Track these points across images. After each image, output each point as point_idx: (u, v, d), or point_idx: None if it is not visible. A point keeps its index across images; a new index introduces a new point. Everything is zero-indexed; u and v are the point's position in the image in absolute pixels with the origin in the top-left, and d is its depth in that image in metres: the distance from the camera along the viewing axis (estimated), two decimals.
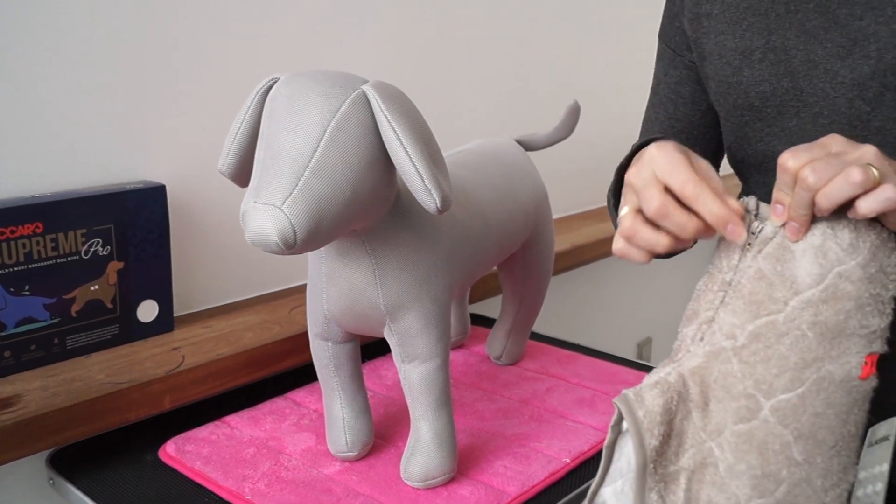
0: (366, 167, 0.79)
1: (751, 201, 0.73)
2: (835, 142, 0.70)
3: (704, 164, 0.73)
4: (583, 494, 0.97)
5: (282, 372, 1.23)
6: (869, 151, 0.68)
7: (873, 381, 0.74)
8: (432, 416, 0.95)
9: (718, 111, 0.98)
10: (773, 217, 0.71)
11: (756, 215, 0.72)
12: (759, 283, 0.71)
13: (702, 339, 0.74)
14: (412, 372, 0.94)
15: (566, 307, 1.97)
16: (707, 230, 0.71)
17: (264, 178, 0.77)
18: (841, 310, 0.69)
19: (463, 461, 1.00)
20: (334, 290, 0.92)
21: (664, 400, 0.71)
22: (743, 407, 0.71)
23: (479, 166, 1.09)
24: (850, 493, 0.74)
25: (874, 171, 0.66)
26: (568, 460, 1.01)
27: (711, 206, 0.69)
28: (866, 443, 0.75)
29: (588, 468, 1.01)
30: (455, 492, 0.95)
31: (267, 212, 0.75)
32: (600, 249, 1.80)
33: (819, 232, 0.69)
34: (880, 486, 0.72)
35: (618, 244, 0.76)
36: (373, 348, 1.28)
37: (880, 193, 0.65)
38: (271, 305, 1.32)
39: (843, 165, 0.66)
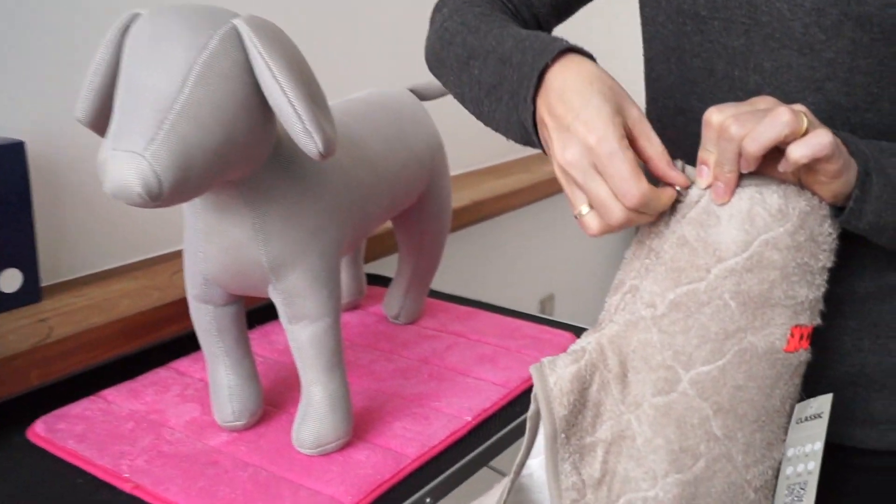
0: (239, 109, 0.72)
1: (676, 164, 0.69)
2: (764, 101, 0.66)
3: (637, 114, 0.68)
4: (485, 453, 0.93)
5: (164, 341, 1.15)
6: (799, 107, 0.64)
7: (804, 356, 0.70)
8: (324, 379, 0.89)
9: (651, 16, 0.87)
10: (697, 179, 0.67)
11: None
12: (681, 249, 0.67)
13: (623, 309, 0.70)
14: (301, 333, 0.88)
15: (467, 264, 1.92)
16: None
17: (124, 122, 0.69)
18: (765, 279, 0.66)
19: (359, 425, 0.95)
20: (212, 247, 0.85)
21: (576, 368, 0.67)
22: (661, 379, 0.68)
23: (369, 114, 1.02)
24: (777, 471, 0.72)
25: (804, 117, 0.62)
26: (469, 418, 0.96)
27: (653, 204, 0.66)
28: (794, 419, 0.72)
29: (490, 425, 0.97)
30: (351, 457, 0.89)
31: (127, 159, 0.67)
32: (501, 204, 1.76)
33: (746, 196, 0.66)
34: (812, 465, 0.69)
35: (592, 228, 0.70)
36: (263, 313, 1.21)
37: (812, 138, 0.61)
38: (152, 271, 1.24)
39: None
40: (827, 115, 0.74)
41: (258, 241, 0.83)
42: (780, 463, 0.72)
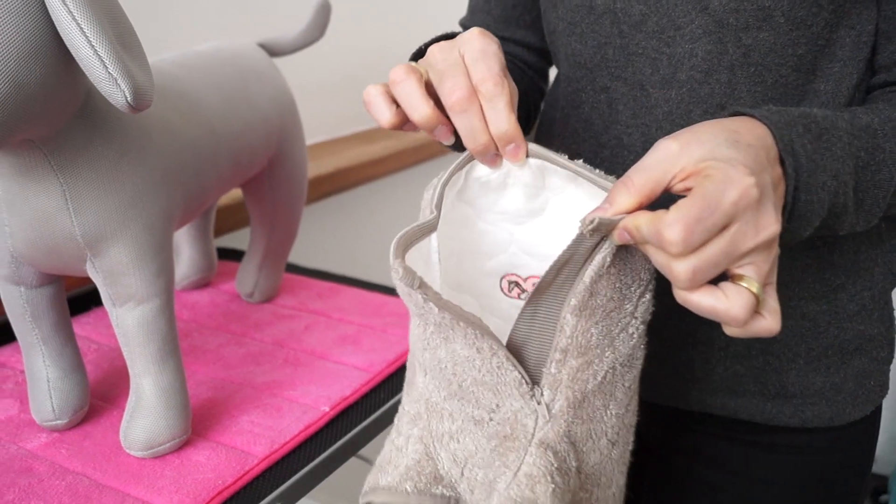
0: (29, 53, 0.60)
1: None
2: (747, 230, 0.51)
3: (512, 84, 0.60)
4: (346, 447, 0.83)
5: None
6: (768, 260, 0.52)
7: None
8: (155, 370, 0.78)
9: None
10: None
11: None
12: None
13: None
14: (126, 317, 0.76)
15: (331, 237, 1.81)
16: (489, 148, 0.59)
17: None
18: None
19: (200, 420, 0.84)
20: (17, 219, 0.72)
21: None
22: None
23: (206, 68, 0.90)
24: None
25: (754, 298, 0.50)
26: (327, 408, 0.86)
27: (502, 118, 0.57)
28: None
29: (351, 415, 0.87)
30: (189, 458, 0.78)
31: None
32: (367, 172, 1.66)
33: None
34: None
35: (373, 89, 0.62)
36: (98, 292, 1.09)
37: (754, 325, 0.51)
38: None
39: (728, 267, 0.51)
40: (717, 38, 0.66)
41: (69, 210, 0.71)
42: None
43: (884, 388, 0.78)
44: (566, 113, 0.79)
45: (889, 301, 0.77)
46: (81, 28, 0.59)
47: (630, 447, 0.63)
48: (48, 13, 0.60)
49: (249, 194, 1.07)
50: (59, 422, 0.82)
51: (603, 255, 0.54)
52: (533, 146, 0.61)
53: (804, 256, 0.71)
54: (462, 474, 0.60)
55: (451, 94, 0.57)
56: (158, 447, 0.77)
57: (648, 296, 0.59)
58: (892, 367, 0.79)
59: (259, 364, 0.96)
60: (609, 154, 0.74)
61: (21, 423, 0.84)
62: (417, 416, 0.62)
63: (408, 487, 0.60)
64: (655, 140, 0.53)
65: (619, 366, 0.58)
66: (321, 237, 1.76)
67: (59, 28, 0.60)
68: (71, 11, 0.59)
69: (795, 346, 0.74)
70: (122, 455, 0.78)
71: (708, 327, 0.74)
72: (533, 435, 0.56)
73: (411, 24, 1.93)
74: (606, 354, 0.57)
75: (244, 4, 1.53)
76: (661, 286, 0.68)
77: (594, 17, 0.72)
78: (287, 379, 0.92)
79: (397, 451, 0.63)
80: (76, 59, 0.60)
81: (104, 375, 0.94)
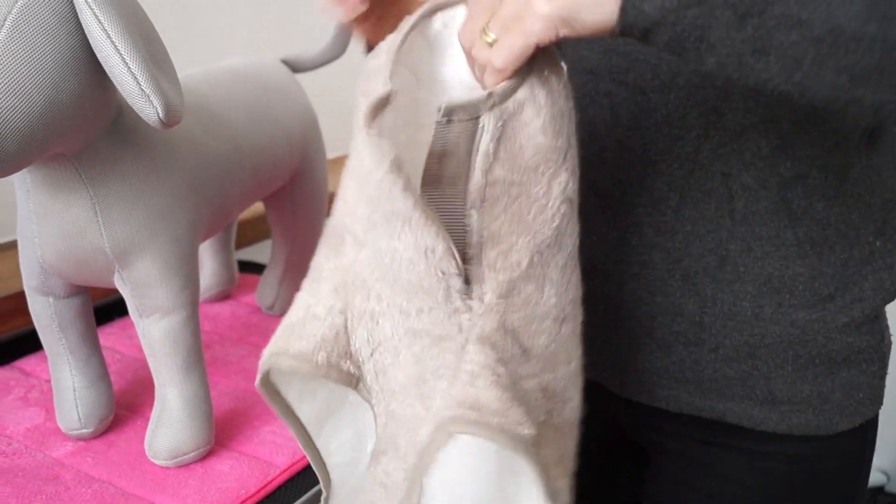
0: (64, 69, 0.61)
1: None
2: None
3: None
4: None
5: (8, 337, 1.03)
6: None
7: None
8: (180, 380, 0.79)
9: None
10: None
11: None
12: None
13: None
14: (153, 328, 0.78)
15: None
16: None
17: None
18: None
19: (224, 430, 0.85)
20: (47, 231, 0.74)
21: None
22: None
23: (231, 84, 0.92)
24: None
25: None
26: None
27: None
28: None
29: None
30: (212, 468, 0.79)
31: None
32: None
33: None
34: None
35: None
36: (122, 304, 1.10)
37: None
38: None
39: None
40: None
41: (98, 223, 0.73)
42: None
43: (875, 401, 0.79)
44: None
45: (881, 316, 0.77)
46: (115, 45, 0.61)
47: (581, 318, 0.62)
48: (83, 31, 0.62)
49: (271, 208, 1.09)
50: (84, 431, 0.83)
51: (486, 143, 0.54)
52: None
53: (795, 265, 0.72)
54: (371, 355, 0.59)
55: None
56: (183, 456, 0.79)
57: (564, 175, 0.57)
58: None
59: None
60: (611, 156, 0.76)
61: (47, 432, 0.86)
62: (342, 286, 0.60)
63: (319, 359, 0.59)
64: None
65: (544, 249, 0.57)
66: None
67: (93, 45, 0.62)
68: (105, 29, 0.60)
69: (783, 353, 0.74)
70: (147, 464, 0.80)
71: (699, 328, 0.74)
72: (467, 333, 0.55)
73: None
74: (524, 241, 0.56)
75: (268, 21, 1.56)
76: (653, 285, 0.68)
77: None
78: None
79: (314, 319, 0.61)
80: (110, 75, 0.62)
81: (127, 385, 0.95)
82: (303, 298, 0.62)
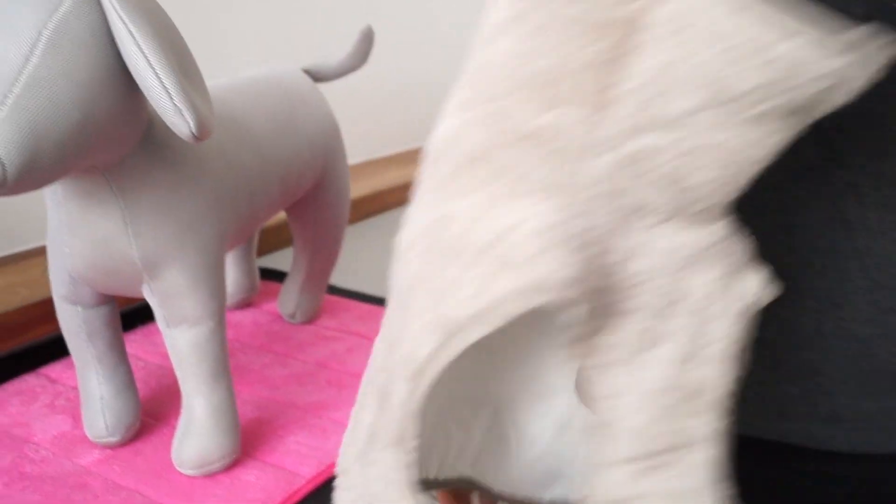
0: (98, 83, 0.62)
1: None
2: None
3: None
4: None
5: (34, 343, 1.04)
6: None
7: None
8: (207, 390, 0.79)
9: None
10: None
11: None
12: None
13: None
14: (180, 338, 0.78)
15: (368, 258, 1.83)
16: None
17: None
18: None
19: (248, 440, 0.86)
20: (77, 241, 0.75)
21: None
22: None
23: (256, 94, 0.93)
24: None
25: None
26: None
27: None
28: None
29: None
30: (239, 478, 0.80)
31: None
32: (405, 194, 1.67)
33: None
34: None
35: None
36: (145, 311, 1.11)
37: None
38: (20, 266, 1.12)
39: None
40: None
41: (128, 234, 0.73)
42: None
43: None
44: None
45: None
46: (149, 60, 0.61)
47: None
48: (116, 46, 0.62)
49: (294, 217, 1.09)
50: (111, 439, 0.84)
51: None
52: None
53: (856, 278, 0.71)
54: None
55: None
56: (209, 466, 0.79)
57: None
58: None
59: (303, 385, 0.97)
60: None
61: (74, 439, 0.86)
62: None
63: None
64: None
65: None
66: (361, 258, 1.78)
67: (126, 60, 0.62)
68: (139, 44, 0.61)
69: (846, 369, 0.74)
70: (174, 472, 0.80)
71: (759, 345, 0.74)
72: None
73: (449, 48, 1.95)
74: None
75: (289, 31, 1.57)
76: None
77: None
78: (331, 400, 0.94)
79: None
80: (143, 90, 0.63)
81: (152, 393, 0.96)
82: None
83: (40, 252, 1.17)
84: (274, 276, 1.32)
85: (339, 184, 1.07)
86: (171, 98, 0.62)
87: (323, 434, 0.87)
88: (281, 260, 1.43)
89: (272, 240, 1.34)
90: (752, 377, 0.76)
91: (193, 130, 0.63)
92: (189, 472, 0.79)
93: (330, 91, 1.15)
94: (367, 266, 1.82)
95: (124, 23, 0.61)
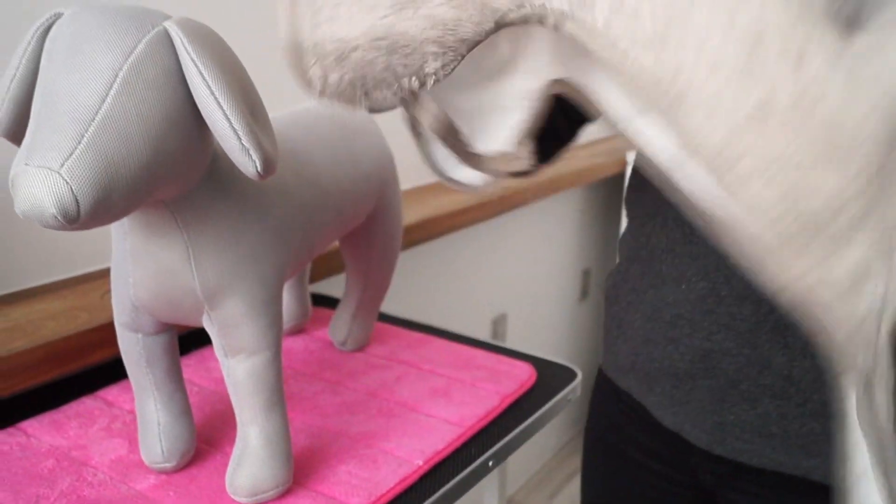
0: (169, 122, 0.64)
1: None
2: None
3: None
4: (437, 503, 0.85)
5: (92, 367, 1.06)
6: None
7: None
8: (262, 420, 0.81)
9: None
10: None
11: None
12: None
13: None
14: (237, 367, 0.80)
15: (416, 285, 1.85)
16: None
17: (39, 134, 0.61)
18: None
19: (300, 468, 0.87)
20: (141, 271, 0.77)
21: None
22: None
23: (314, 127, 0.94)
24: None
25: None
26: (420, 462, 0.89)
27: None
28: None
29: (442, 470, 0.89)
30: None
31: (41, 176, 0.59)
32: (452, 222, 1.69)
33: None
34: None
35: None
36: (199, 336, 1.13)
37: None
38: (80, 290, 1.15)
39: None
40: None
41: (191, 266, 0.75)
42: None
43: None
44: None
45: None
46: (219, 102, 0.63)
47: None
48: (188, 86, 0.64)
49: (347, 246, 1.11)
50: (167, 465, 0.86)
51: None
52: None
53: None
54: None
55: None
56: (262, 494, 0.80)
57: None
58: None
59: (354, 413, 0.99)
60: None
61: (131, 464, 0.88)
62: None
63: None
64: None
65: None
66: (408, 284, 1.80)
67: (196, 100, 0.64)
68: (209, 86, 0.63)
69: None
70: (227, 499, 0.82)
71: (787, 382, 0.74)
72: None
73: None
74: None
75: None
76: (742, 337, 0.68)
77: None
78: (381, 430, 0.95)
79: None
80: (212, 129, 0.65)
81: (207, 419, 0.97)
82: None
83: (99, 276, 1.20)
84: (324, 301, 1.34)
85: (392, 214, 1.09)
86: (240, 139, 0.64)
87: (373, 464, 0.88)
88: (332, 286, 1.45)
89: (323, 266, 1.36)
90: (777, 412, 0.76)
91: (259, 169, 0.65)
92: (243, 500, 0.81)
93: (381, 118, 1.17)
94: (414, 292, 1.84)
95: (195, 64, 0.63)
